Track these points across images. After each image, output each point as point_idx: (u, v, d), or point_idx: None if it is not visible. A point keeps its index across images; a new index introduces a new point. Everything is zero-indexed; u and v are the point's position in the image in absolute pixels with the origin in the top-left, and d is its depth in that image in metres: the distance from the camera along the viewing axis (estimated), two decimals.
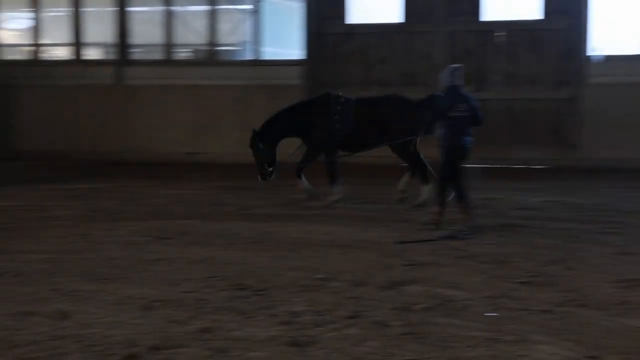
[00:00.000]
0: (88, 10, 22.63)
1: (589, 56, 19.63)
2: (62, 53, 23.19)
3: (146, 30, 22.47)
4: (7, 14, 23.54)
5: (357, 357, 5.97)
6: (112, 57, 22.54)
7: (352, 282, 8.28)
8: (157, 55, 22.46)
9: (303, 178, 13.56)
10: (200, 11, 22.13)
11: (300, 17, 21.19)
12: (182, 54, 22.66)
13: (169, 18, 22.05)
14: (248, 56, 22.07)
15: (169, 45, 22.18)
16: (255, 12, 21.67)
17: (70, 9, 22.60)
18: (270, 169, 13.69)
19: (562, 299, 7.54)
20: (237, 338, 6.39)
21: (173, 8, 22.10)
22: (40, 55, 23.00)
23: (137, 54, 22.64)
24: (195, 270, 8.81)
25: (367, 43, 21.31)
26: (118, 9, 22.28)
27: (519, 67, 20.31)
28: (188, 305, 7.33)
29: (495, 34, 20.49)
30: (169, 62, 22.17)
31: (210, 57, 22.04)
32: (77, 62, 22.57)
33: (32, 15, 22.83)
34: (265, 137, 13.64)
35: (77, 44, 22.59)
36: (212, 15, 21.90)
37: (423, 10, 20.76)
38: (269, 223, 11.96)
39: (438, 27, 20.73)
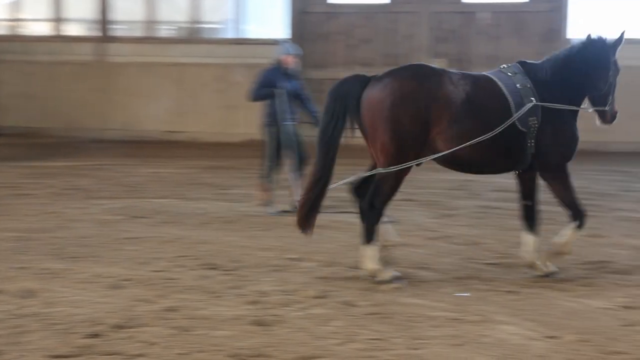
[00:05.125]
0: None
1: (568, 39, 19.59)
2: (42, 28, 23.00)
3: (128, 6, 22.30)
4: None
5: (320, 337, 5.99)
6: (92, 33, 22.36)
7: (323, 263, 8.29)
8: (139, 32, 22.31)
9: None
10: None
11: None
12: (164, 31, 22.51)
13: None
14: (231, 34, 21.95)
15: (151, 22, 22.03)
16: None
17: None
18: None
19: (529, 280, 7.58)
20: (202, 317, 6.40)
21: None
22: (19, 30, 22.82)
23: (118, 31, 22.47)
24: (167, 249, 8.82)
25: (351, 23, 21.22)
26: None
27: (501, 48, 20.25)
28: (156, 285, 7.34)
29: (478, 15, 20.44)
30: (150, 39, 22.00)
31: (193, 35, 21.93)
32: (57, 38, 22.38)
33: None
34: None
35: (58, 19, 22.42)
36: None
37: None
38: (246, 203, 11.95)
39: (422, 7, 20.66)
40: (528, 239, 7.71)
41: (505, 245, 9.02)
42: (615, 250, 8.76)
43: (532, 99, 7.44)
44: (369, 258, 7.44)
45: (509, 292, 7.16)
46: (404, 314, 6.55)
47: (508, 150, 7.44)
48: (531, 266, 7.71)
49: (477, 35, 20.44)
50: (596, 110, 7.86)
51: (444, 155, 7.30)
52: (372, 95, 7.33)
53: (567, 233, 7.64)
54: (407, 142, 7.26)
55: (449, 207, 11.64)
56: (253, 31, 21.70)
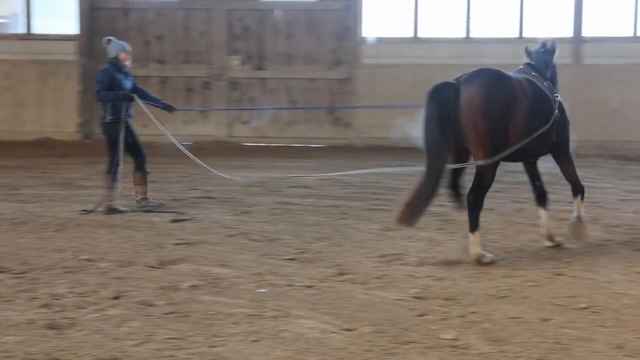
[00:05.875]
0: None
1: (363, 37, 20.09)
2: None
3: None
4: None
5: (117, 338, 5.86)
6: None
7: (119, 263, 8.14)
8: None
9: None
10: None
11: None
12: None
13: None
14: (18, 29, 21.11)
15: None
16: None
17: None
18: None
19: (325, 274, 7.70)
20: None
21: None
22: None
23: None
24: None
25: (144, 19, 20.87)
26: None
27: (297, 46, 20.50)
28: None
29: (274, 13, 20.61)
30: None
31: None
32: None
33: None
34: None
35: None
36: None
37: None
38: (37, 203, 11.58)
39: (217, 4, 20.60)
40: (542, 214, 8.85)
41: (302, 241, 9.15)
42: (407, 243, 9.04)
43: (556, 94, 8.69)
44: (474, 243, 8.12)
45: (306, 286, 7.25)
46: (202, 312, 6.51)
47: (547, 139, 8.52)
48: (549, 238, 8.84)
49: (272, 33, 20.57)
50: None
51: (520, 146, 8.24)
52: (470, 98, 8.06)
53: (576, 204, 8.83)
54: (499, 137, 8.12)
55: (247, 204, 11.67)
56: (42, 26, 20.94)
